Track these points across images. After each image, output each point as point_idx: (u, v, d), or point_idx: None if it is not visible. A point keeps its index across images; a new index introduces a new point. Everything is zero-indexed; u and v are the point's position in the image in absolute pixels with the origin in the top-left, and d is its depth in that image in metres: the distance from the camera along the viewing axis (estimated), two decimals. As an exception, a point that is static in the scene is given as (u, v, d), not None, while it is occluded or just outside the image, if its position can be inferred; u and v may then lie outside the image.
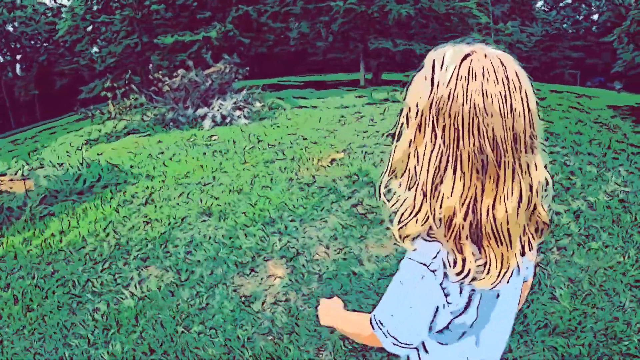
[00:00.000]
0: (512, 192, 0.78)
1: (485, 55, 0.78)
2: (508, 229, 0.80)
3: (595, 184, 4.61)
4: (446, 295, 0.84)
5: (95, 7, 25.50)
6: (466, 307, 0.88)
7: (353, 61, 22.72)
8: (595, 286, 3.06)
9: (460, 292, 0.85)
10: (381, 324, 0.93)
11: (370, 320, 0.97)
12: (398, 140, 0.88)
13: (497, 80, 0.76)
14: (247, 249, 3.89)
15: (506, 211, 0.78)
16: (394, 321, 0.91)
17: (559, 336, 2.61)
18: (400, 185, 0.88)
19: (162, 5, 23.56)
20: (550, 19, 31.49)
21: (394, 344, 0.93)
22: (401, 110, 0.89)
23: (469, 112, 0.75)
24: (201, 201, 4.91)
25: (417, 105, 0.82)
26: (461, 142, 0.76)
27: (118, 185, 5.81)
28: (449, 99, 0.77)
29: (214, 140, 7.76)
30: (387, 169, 0.90)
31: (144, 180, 5.84)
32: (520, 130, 0.77)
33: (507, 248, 0.81)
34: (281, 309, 3.12)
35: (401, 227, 0.86)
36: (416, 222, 0.83)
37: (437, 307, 0.85)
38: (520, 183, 0.79)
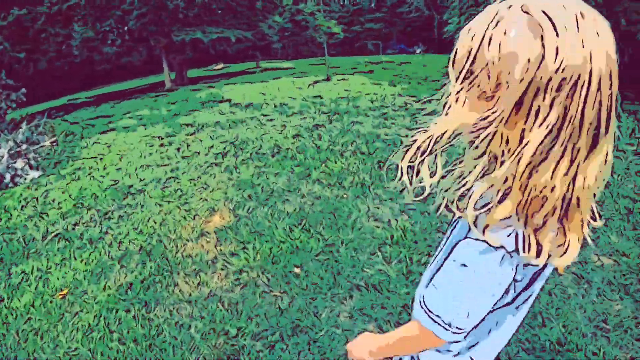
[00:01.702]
0: (599, 162, 0.69)
1: (582, 12, 0.63)
2: (589, 203, 0.72)
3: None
4: (515, 273, 0.77)
5: None
6: (530, 282, 0.83)
7: (144, 63, 20.20)
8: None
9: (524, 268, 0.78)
10: (437, 316, 0.82)
11: (422, 314, 0.85)
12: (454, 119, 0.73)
13: (600, 39, 0.62)
14: None
15: (595, 181, 0.70)
16: (455, 308, 0.80)
17: None
18: (476, 167, 0.75)
19: None
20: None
21: (455, 333, 0.82)
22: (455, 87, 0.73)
23: (582, 83, 0.62)
24: None
25: (514, 79, 0.65)
26: (573, 114, 0.64)
27: None
28: (560, 69, 0.62)
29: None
30: (481, 156, 0.74)
31: None
32: (615, 93, 0.65)
33: (585, 222, 0.74)
34: None
35: (489, 213, 0.72)
36: (505, 206, 0.71)
37: (508, 287, 0.78)
38: (607, 151, 0.69)
